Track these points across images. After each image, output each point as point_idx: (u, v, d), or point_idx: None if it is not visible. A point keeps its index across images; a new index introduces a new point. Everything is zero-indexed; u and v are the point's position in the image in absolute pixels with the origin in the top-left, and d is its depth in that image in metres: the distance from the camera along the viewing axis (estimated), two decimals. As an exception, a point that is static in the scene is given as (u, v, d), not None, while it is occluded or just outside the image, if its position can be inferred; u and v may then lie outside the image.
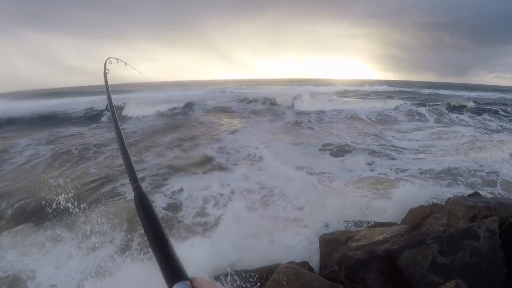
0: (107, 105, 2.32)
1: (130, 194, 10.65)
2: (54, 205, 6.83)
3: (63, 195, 6.46)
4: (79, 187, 10.69)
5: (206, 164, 13.16)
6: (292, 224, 7.94)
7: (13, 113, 28.25)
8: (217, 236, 7.42)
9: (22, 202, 9.84)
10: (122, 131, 1.77)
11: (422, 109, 28.50)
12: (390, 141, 17.12)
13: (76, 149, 16.13)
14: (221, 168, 12.64)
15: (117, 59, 3.66)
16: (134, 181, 1.30)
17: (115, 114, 2.05)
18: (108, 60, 3.38)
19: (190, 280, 0.86)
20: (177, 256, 0.95)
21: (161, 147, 16.35)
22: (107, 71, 3.16)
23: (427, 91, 58.83)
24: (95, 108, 29.25)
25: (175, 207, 9.34)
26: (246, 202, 9.06)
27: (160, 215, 1.13)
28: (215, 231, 7.69)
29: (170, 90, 52.62)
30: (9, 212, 9.28)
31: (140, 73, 4.80)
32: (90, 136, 19.86)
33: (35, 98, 42.76)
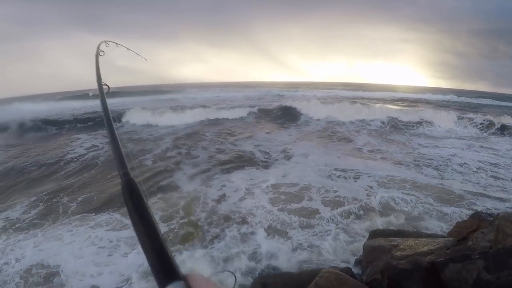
0: (97, 87, 2.19)
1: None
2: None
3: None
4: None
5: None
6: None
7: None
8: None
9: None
10: (111, 115, 1.66)
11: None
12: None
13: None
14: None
15: (116, 43, 3.36)
16: (122, 167, 1.20)
17: (104, 97, 1.96)
18: (104, 43, 3.11)
19: (185, 279, 0.78)
20: (171, 252, 0.86)
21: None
22: (101, 53, 2.91)
23: (486, 101, 54.18)
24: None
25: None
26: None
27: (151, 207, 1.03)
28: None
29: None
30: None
31: (146, 60, 4.55)
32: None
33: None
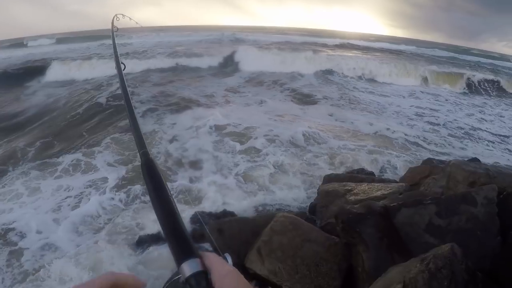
0: (115, 65, 2.08)
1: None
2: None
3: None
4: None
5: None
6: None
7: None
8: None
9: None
10: (130, 93, 1.65)
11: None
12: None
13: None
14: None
15: (123, 15, 3.41)
16: (142, 146, 1.21)
17: (122, 75, 1.91)
18: (115, 17, 3.12)
19: (200, 257, 0.83)
20: (187, 231, 0.90)
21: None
22: (115, 28, 2.89)
23: (439, 53, 51.14)
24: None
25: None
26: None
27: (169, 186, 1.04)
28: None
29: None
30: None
31: (141, 26, 4.61)
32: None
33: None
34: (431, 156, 8.57)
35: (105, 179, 8.04)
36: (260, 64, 23.74)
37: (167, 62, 25.39)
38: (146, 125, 11.82)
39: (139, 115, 13.05)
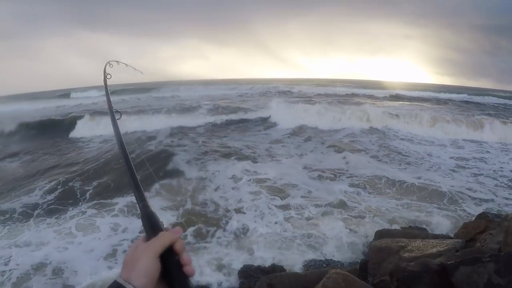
0: (109, 114, 2.02)
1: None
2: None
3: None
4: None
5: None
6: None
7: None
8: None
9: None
10: (125, 144, 1.59)
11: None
12: None
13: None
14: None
15: (117, 61, 3.29)
16: (141, 199, 1.23)
17: (117, 126, 1.81)
18: (108, 64, 3.03)
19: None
20: (191, 283, 0.97)
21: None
22: (108, 76, 2.82)
23: (495, 100, 49.20)
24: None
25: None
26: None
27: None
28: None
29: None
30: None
31: (142, 73, 4.49)
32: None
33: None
34: (483, 210, 8.31)
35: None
36: (302, 119, 23.38)
37: (212, 114, 25.85)
38: (191, 172, 12.35)
39: (183, 161, 13.61)
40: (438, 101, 42.52)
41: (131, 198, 9.59)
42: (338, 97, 40.94)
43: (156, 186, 10.70)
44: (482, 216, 6.39)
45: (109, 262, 7.00)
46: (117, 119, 1.90)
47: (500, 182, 11.77)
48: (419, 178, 11.75)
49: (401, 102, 38.25)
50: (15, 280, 6.42)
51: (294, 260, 6.76)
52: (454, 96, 50.99)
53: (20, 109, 38.54)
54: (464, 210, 8.96)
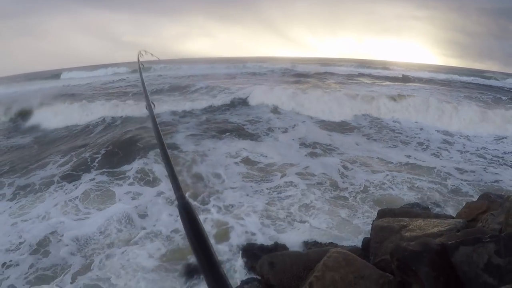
0: (146, 105, 2.07)
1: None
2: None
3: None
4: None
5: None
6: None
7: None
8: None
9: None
10: (162, 134, 1.64)
11: None
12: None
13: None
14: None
15: (145, 51, 3.45)
16: (178, 189, 1.26)
17: (154, 117, 1.85)
18: (139, 54, 3.21)
19: None
20: (224, 272, 0.94)
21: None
22: (142, 66, 2.94)
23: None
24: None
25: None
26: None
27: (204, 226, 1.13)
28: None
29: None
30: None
31: (159, 58, 4.66)
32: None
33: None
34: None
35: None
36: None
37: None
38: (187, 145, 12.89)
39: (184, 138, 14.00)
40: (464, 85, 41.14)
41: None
42: (342, 77, 40.29)
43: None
44: (485, 196, 6.37)
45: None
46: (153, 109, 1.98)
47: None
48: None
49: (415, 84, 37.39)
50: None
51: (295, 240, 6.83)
52: (465, 78, 50.09)
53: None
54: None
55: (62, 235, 7.27)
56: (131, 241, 7.12)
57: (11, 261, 6.61)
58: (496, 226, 4.67)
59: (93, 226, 7.57)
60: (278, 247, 6.20)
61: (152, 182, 9.90)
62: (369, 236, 6.04)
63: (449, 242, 3.80)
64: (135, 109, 19.47)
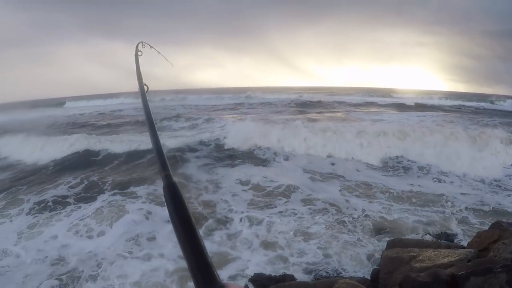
0: (138, 87, 2.15)
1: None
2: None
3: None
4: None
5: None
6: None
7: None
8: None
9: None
10: (152, 114, 1.67)
11: None
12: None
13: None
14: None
15: (150, 45, 3.38)
16: (164, 169, 1.22)
17: (145, 96, 1.96)
18: (140, 44, 3.16)
19: (223, 287, 0.79)
20: (210, 258, 0.87)
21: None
22: (139, 53, 2.95)
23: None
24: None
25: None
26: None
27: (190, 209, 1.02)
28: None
29: None
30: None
31: (173, 65, 4.57)
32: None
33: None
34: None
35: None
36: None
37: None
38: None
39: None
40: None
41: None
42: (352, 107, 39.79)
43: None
44: (496, 225, 6.28)
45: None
46: (146, 91, 2.06)
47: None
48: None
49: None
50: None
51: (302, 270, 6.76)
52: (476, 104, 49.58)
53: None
54: None
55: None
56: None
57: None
58: (508, 256, 4.57)
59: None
60: (285, 278, 6.12)
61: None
62: (378, 266, 5.96)
63: (460, 273, 3.74)
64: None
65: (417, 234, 7.79)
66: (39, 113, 42.63)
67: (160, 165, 1.26)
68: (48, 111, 45.41)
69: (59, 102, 64.06)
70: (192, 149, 16.44)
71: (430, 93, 73.92)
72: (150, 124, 1.57)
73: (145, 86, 2.13)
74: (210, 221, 8.88)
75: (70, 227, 8.81)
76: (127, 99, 54.17)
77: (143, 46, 3.17)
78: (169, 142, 16.98)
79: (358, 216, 9.08)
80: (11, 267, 7.12)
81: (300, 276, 6.43)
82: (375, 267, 6.30)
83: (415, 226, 8.40)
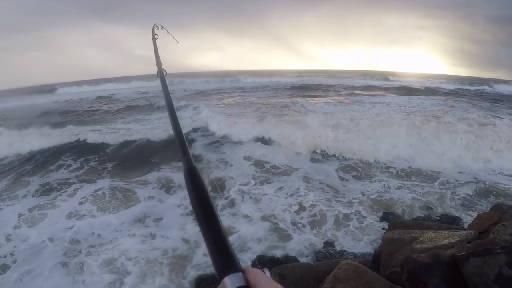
0: (157, 72, 2.13)
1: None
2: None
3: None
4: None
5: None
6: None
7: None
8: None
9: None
10: (172, 99, 1.65)
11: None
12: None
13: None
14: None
15: (161, 26, 3.26)
16: (185, 154, 1.22)
17: (165, 81, 1.92)
18: (155, 26, 3.15)
19: (243, 272, 0.80)
20: (230, 243, 0.88)
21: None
22: (156, 36, 2.92)
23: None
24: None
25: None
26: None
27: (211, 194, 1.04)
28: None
29: None
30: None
31: (178, 42, 4.57)
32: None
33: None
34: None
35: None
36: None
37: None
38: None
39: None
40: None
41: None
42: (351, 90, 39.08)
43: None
44: (496, 207, 6.33)
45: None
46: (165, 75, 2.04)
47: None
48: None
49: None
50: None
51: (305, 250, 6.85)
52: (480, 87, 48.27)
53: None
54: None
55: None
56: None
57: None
58: (507, 238, 4.63)
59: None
60: (288, 259, 6.20)
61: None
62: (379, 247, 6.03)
63: (460, 254, 3.79)
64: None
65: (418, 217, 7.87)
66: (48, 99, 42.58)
67: (181, 149, 1.26)
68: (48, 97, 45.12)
69: (52, 88, 63.59)
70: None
71: (432, 77, 73.05)
72: (170, 109, 1.56)
73: (164, 70, 2.10)
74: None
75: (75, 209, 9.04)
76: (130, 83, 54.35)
77: (157, 28, 3.17)
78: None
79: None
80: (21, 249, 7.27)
81: (302, 258, 6.52)
82: (376, 249, 6.37)
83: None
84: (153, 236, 7.57)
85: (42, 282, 6.25)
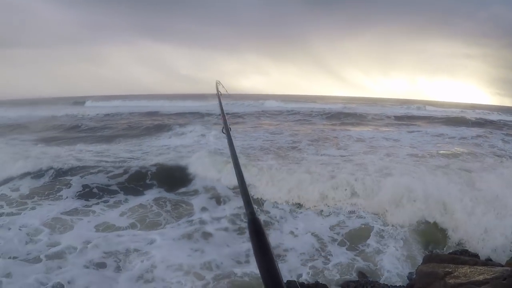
0: (222, 128, 2.23)
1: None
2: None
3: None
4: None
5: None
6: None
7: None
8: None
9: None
10: (237, 154, 1.74)
11: None
12: None
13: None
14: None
15: (220, 83, 3.55)
16: (249, 206, 1.30)
17: (230, 137, 1.99)
18: (217, 83, 3.36)
19: None
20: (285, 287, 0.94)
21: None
22: (219, 92, 3.10)
23: None
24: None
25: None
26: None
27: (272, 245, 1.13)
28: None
29: None
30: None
31: (227, 92, 4.74)
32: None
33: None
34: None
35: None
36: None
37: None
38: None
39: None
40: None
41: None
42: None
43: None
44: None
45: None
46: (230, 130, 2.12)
47: None
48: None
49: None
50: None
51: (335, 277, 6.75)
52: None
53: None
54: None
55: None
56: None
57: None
58: (545, 277, 4.48)
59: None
60: (318, 286, 6.16)
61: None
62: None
63: (493, 290, 3.70)
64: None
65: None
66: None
67: (245, 202, 1.35)
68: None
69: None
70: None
71: (478, 107, 70.30)
72: (235, 163, 1.66)
73: (229, 128, 2.18)
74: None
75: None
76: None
77: (219, 84, 3.36)
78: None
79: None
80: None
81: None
82: (409, 281, 6.25)
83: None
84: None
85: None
